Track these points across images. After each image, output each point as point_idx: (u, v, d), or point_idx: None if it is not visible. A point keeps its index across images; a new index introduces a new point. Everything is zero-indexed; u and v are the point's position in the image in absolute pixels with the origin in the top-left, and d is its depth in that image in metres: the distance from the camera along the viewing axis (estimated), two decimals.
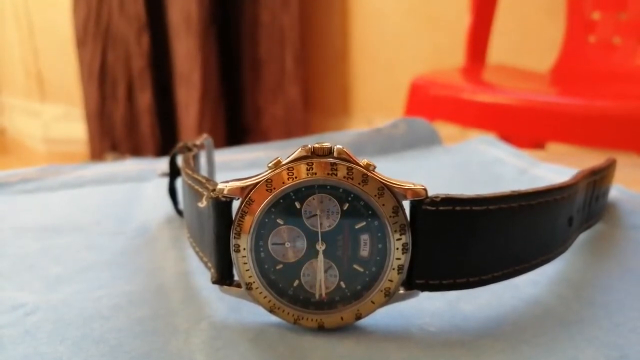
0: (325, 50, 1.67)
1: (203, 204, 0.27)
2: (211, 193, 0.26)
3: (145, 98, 1.66)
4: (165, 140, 1.68)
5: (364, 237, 0.25)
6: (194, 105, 1.58)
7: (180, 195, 0.39)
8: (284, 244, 0.26)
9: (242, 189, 0.25)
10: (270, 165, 0.25)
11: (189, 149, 0.39)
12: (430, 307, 0.29)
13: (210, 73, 1.58)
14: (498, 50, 1.18)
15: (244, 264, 0.26)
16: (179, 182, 0.40)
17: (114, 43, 1.65)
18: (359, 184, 0.25)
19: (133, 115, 1.70)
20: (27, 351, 0.26)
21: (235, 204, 0.26)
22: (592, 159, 0.39)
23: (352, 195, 0.25)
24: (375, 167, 0.25)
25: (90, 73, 1.69)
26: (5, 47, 2.15)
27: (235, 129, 1.70)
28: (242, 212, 0.25)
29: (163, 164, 0.53)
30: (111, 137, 1.73)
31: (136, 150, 1.73)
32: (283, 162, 0.25)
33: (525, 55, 1.29)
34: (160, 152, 1.66)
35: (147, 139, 1.69)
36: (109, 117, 1.72)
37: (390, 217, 0.25)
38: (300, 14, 1.58)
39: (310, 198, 0.25)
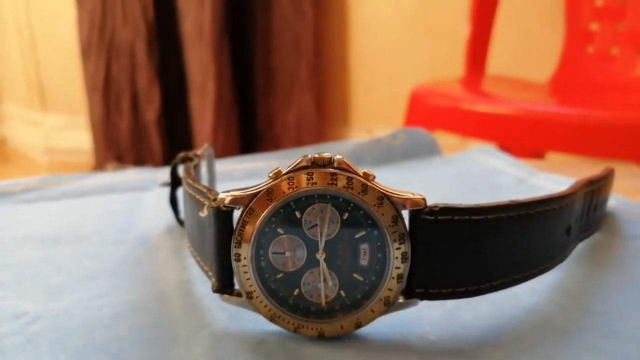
0: (325, 60, 1.68)
1: (204, 213, 0.28)
2: (212, 203, 0.26)
3: (153, 108, 1.67)
4: (173, 150, 1.69)
5: (364, 247, 0.26)
6: (209, 114, 1.59)
7: (181, 205, 0.39)
8: (284, 253, 0.26)
9: (243, 198, 0.25)
10: (270, 175, 0.25)
11: (190, 159, 0.39)
12: (430, 315, 0.29)
13: (224, 82, 1.59)
14: (497, 61, 1.18)
15: (244, 273, 0.26)
16: (180, 192, 0.41)
17: (118, 54, 1.66)
18: (359, 193, 0.25)
19: (138, 125, 1.71)
20: None
21: (236, 214, 0.26)
22: (591, 169, 0.39)
23: (351, 205, 0.25)
24: (374, 177, 0.25)
25: (94, 84, 1.70)
26: (7, 57, 2.16)
27: (249, 137, 1.72)
28: (243, 222, 0.25)
29: (164, 173, 0.53)
30: (116, 148, 1.74)
31: (141, 161, 1.73)
32: (283, 172, 0.25)
33: (524, 66, 1.29)
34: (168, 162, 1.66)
35: (155, 149, 1.70)
36: (114, 128, 1.72)
37: (389, 226, 0.25)
38: (314, 23, 1.59)
39: (310, 207, 0.25)
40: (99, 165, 1.77)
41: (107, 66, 1.68)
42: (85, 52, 1.69)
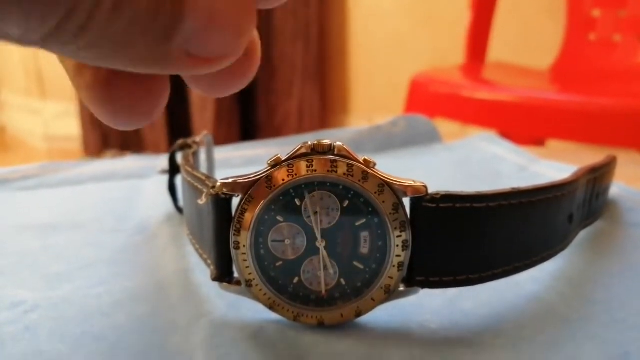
0: (326, 49, 1.67)
1: (203, 201, 0.27)
2: (211, 190, 0.26)
3: None
4: (171, 139, 1.69)
5: (364, 234, 0.25)
6: (210, 107, 1.59)
7: (180, 193, 0.39)
8: (283, 241, 0.26)
9: (242, 186, 0.25)
10: (270, 162, 0.25)
11: (189, 146, 0.39)
12: (431, 304, 0.29)
13: None
14: (498, 49, 1.18)
15: (243, 261, 0.26)
16: (178, 180, 0.40)
17: None
18: (359, 181, 0.25)
19: None
20: (27, 349, 0.26)
21: (235, 201, 0.26)
22: (593, 156, 0.39)
23: (352, 193, 0.25)
24: (375, 164, 0.25)
25: None
26: (6, 46, 2.15)
27: (250, 128, 1.71)
28: (242, 209, 0.25)
29: (162, 161, 0.53)
30: (101, 131, 1.73)
31: (127, 146, 1.73)
32: (283, 159, 0.25)
33: (525, 53, 1.28)
34: (160, 149, 1.67)
35: (157, 137, 1.69)
36: None
37: (390, 214, 0.25)
38: (319, 11, 1.58)
39: (310, 195, 0.25)
40: (87, 148, 1.77)
41: None
42: None
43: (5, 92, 2.31)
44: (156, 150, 1.64)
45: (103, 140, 1.74)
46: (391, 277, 0.26)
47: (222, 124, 1.61)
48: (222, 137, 1.60)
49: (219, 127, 1.60)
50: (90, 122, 1.74)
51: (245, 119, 1.70)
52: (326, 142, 0.25)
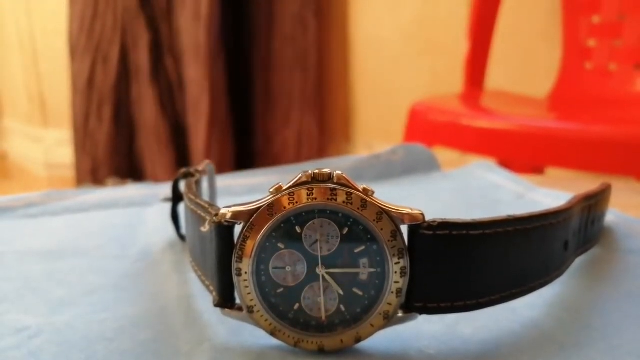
0: (326, 77, 1.68)
1: (206, 228, 0.28)
2: (214, 218, 0.27)
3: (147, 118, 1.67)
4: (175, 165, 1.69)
5: (363, 261, 0.26)
6: (202, 130, 1.60)
7: (183, 220, 0.40)
8: (285, 267, 0.26)
9: (245, 213, 0.26)
10: (271, 190, 0.26)
11: (192, 175, 0.39)
12: (429, 330, 0.29)
13: (219, 99, 1.60)
14: (496, 77, 1.19)
15: (245, 287, 0.26)
16: (181, 207, 0.41)
17: (105, 59, 1.66)
18: (358, 209, 0.25)
19: (120, 136, 1.71)
20: None
21: (237, 229, 0.26)
22: (591, 184, 0.40)
23: (351, 220, 0.26)
24: (373, 193, 0.26)
25: (76, 87, 1.70)
26: (9, 72, 2.17)
27: (246, 154, 1.72)
28: (244, 237, 0.26)
29: (164, 189, 0.54)
30: (93, 157, 1.73)
31: (120, 173, 1.73)
32: (284, 188, 0.26)
33: (523, 82, 1.30)
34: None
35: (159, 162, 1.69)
36: (92, 135, 1.71)
37: (388, 241, 0.25)
38: (317, 38, 1.60)
39: (310, 222, 0.26)
40: (79, 175, 1.76)
41: (92, 70, 1.68)
42: (73, 54, 1.69)
43: (8, 119, 2.33)
44: (155, 178, 1.64)
45: (93, 168, 1.74)
46: (390, 304, 0.26)
47: (214, 149, 1.61)
48: (216, 163, 1.60)
49: (211, 152, 1.60)
50: (82, 149, 1.74)
51: (242, 146, 1.70)
52: (326, 171, 0.25)
